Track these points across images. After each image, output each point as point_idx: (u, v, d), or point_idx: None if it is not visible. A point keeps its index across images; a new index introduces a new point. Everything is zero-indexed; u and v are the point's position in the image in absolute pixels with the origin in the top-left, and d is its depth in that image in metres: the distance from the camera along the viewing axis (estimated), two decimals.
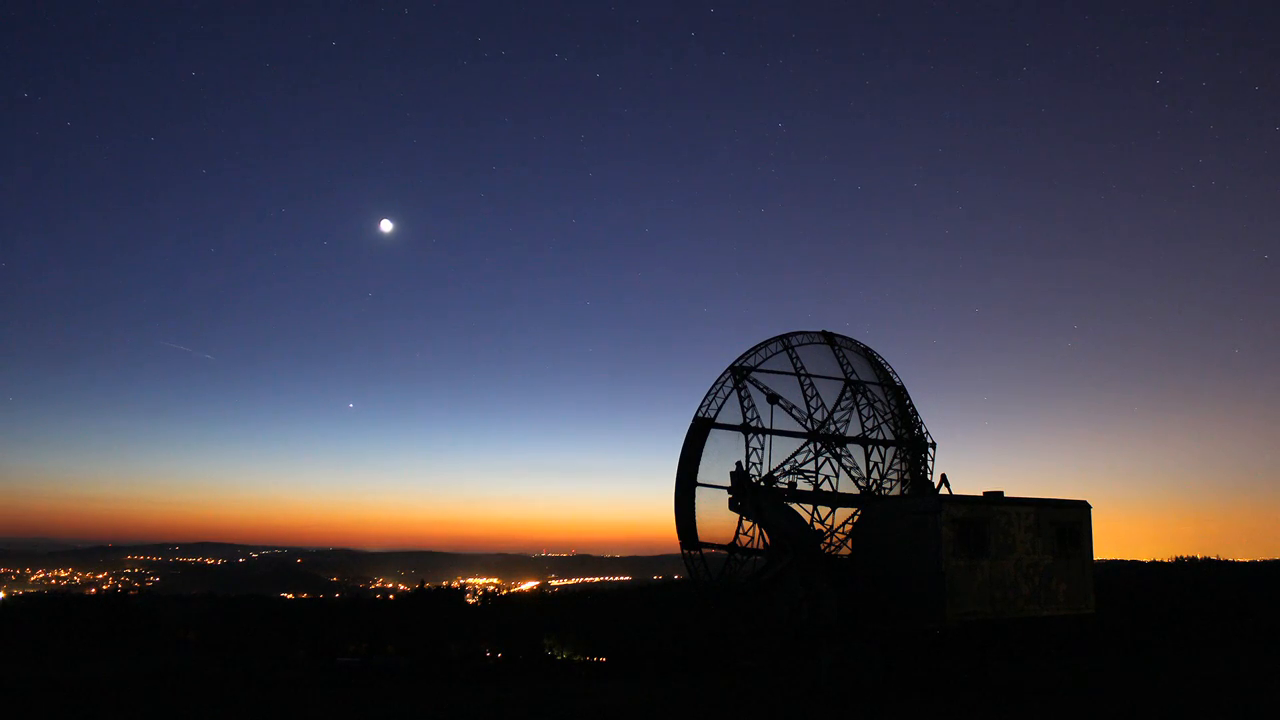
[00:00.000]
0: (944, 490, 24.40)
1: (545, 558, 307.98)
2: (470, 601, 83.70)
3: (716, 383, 27.65)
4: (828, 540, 25.73)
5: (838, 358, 27.35)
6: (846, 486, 26.06)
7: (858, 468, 26.36)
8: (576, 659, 51.71)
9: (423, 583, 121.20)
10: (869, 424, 26.97)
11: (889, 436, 27.05)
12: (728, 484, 26.75)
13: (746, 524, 26.28)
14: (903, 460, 27.03)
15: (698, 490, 27.09)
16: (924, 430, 27.17)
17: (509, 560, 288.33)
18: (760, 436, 26.88)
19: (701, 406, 27.60)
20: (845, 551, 25.39)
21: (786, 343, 27.56)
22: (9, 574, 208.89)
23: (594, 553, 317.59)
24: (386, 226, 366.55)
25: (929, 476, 26.45)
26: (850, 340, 28.05)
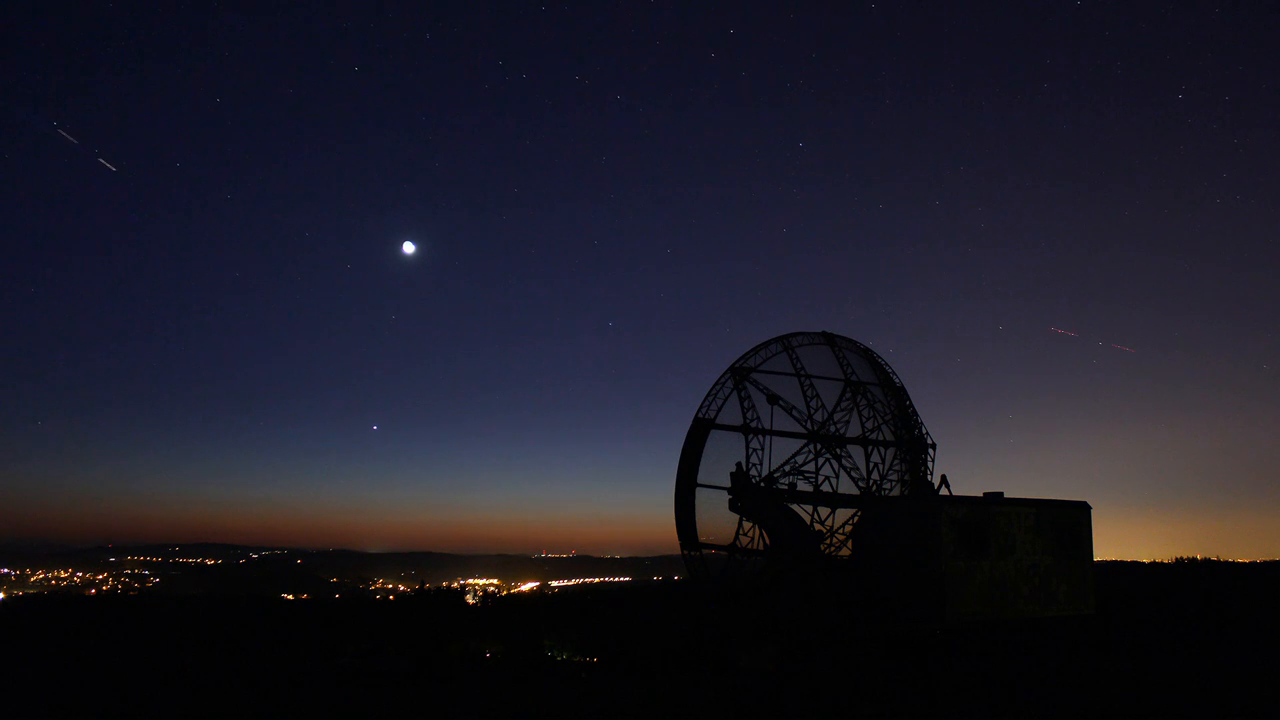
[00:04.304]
0: (944, 491, 24.43)
1: (545, 558, 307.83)
2: (470, 602, 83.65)
3: (717, 383, 27.69)
4: (828, 541, 25.76)
5: (838, 359, 27.38)
6: (846, 487, 26.11)
7: (858, 468, 26.39)
8: (576, 659, 51.67)
9: (423, 583, 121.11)
10: (869, 425, 27.01)
11: (889, 437, 27.08)
12: (728, 485, 26.79)
13: (747, 525, 26.33)
14: (903, 461, 27.06)
15: (698, 491, 27.14)
16: (924, 431, 27.22)
17: (509, 561, 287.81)
18: (760, 437, 26.92)
19: (702, 407, 27.64)
20: (845, 552, 25.42)
21: (787, 344, 27.59)
22: (9, 574, 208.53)
23: (594, 553, 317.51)
24: (409, 248, 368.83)
25: (929, 477, 26.48)
26: (850, 341, 28.09)
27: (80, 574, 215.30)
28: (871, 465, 26.51)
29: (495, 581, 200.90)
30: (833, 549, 25.64)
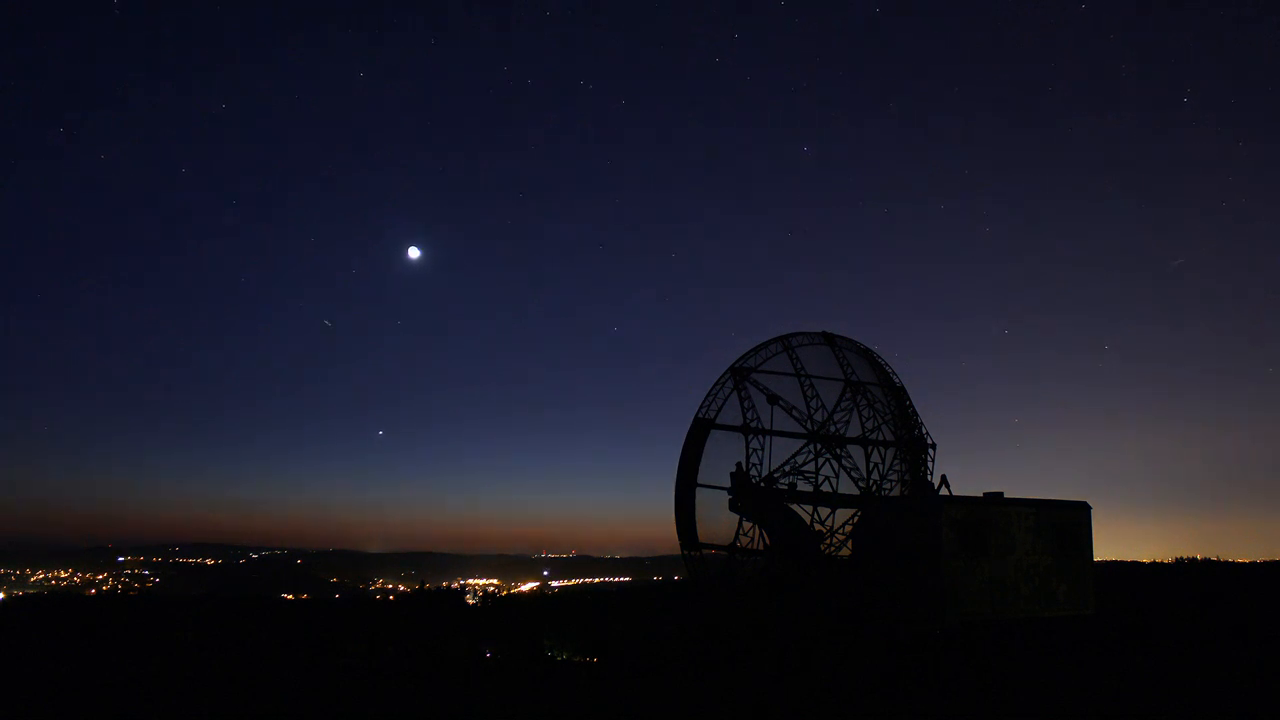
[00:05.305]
0: (944, 491, 24.41)
1: (545, 558, 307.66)
2: (470, 602, 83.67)
3: (717, 384, 27.67)
4: (828, 541, 25.74)
5: (838, 359, 27.35)
6: (846, 487, 26.07)
7: (858, 469, 26.36)
8: (576, 659, 51.66)
9: (423, 583, 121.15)
10: (869, 425, 26.98)
11: (889, 437, 27.04)
12: (728, 485, 26.77)
13: (747, 525, 26.31)
14: (903, 461, 27.03)
15: (698, 491, 27.10)
16: (924, 431, 27.19)
17: (509, 561, 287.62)
18: (760, 437, 26.88)
19: (702, 407, 27.61)
20: (845, 552, 25.40)
21: (787, 344, 27.56)
22: (9, 574, 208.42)
23: (594, 553, 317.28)
24: (414, 253, 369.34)
25: (929, 477, 26.46)
26: (850, 341, 28.06)
27: (80, 574, 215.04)
28: (871, 465, 26.49)
29: (495, 581, 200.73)
30: (833, 549, 25.62)
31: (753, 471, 26.70)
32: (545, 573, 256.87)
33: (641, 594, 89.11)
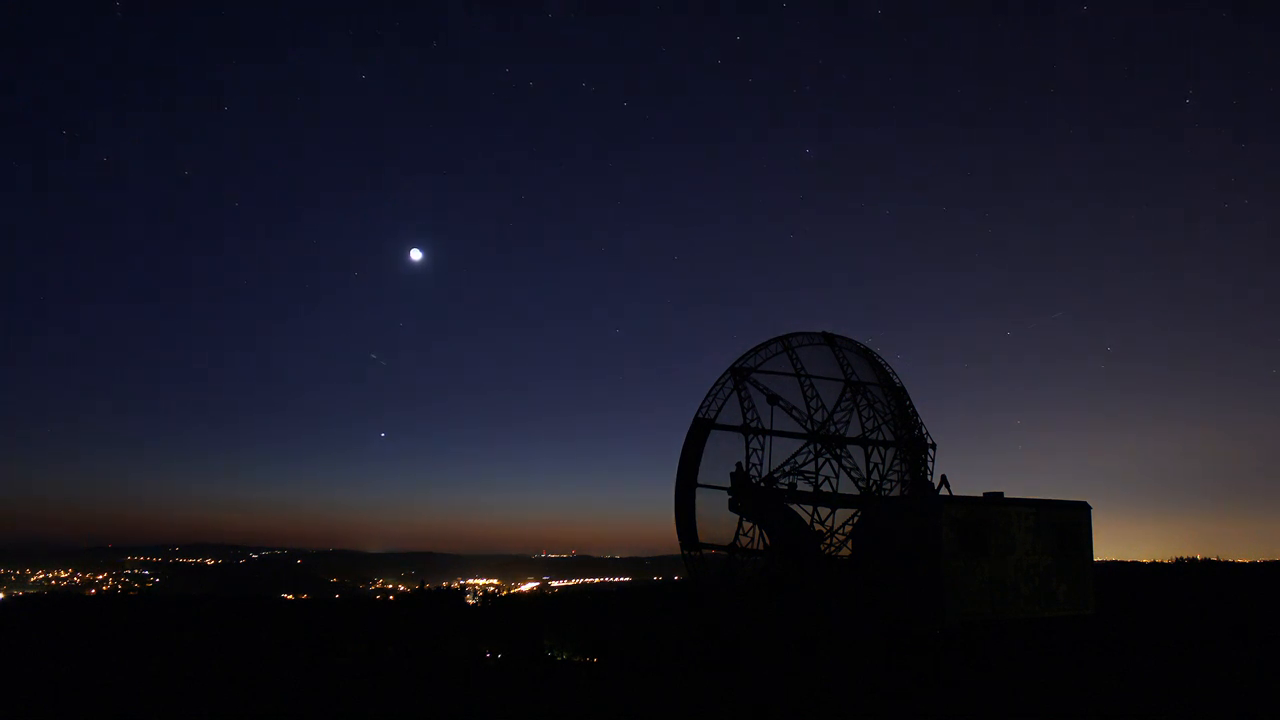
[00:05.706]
0: (944, 491, 24.42)
1: (545, 558, 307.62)
2: (470, 602, 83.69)
3: (717, 384, 27.68)
4: (828, 541, 25.75)
5: (838, 359, 27.37)
6: (846, 487, 26.10)
7: (858, 469, 26.38)
8: (576, 659, 51.64)
9: (423, 584, 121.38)
10: (869, 425, 27.00)
11: (889, 437, 27.06)
12: (728, 485, 26.78)
13: (746, 525, 26.32)
14: (903, 461, 27.04)
15: (698, 491, 27.13)
16: (924, 431, 27.21)
17: (509, 561, 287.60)
18: (760, 437, 26.90)
19: (702, 407, 27.63)
20: (845, 552, 25.41)
21: (787, 344, 27.58)
22: (9, 574, 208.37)
23: (594, 553, 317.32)
24: (416, 255, 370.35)
25: (929, 477, 26.47)
26: (850, 341, 28.08)
27: (80, 574, 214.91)
28: (871, 465, 26.51)
29: (495, 581, 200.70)
30: (833, 549, 25.63)
31: (753, 471, 26.72)
32: (551, 575, 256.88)
33: (641, 594, 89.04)
